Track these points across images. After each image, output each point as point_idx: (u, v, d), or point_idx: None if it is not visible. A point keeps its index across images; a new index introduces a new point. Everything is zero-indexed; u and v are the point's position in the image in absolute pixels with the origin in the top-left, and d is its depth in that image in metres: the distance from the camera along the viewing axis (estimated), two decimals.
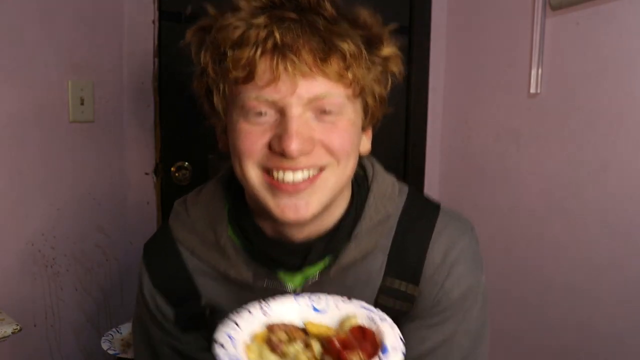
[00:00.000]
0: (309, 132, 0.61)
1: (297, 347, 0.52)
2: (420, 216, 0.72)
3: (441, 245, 0.70)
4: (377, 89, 0.67)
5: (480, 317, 0.73)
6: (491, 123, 1.61)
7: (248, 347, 0.51)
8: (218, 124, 0.70)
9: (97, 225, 1.46)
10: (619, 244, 1.29)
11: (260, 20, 0.59)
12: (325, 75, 0.60)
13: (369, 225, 0.69)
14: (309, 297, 0.58)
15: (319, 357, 0.51)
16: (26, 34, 1.25)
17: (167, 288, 0.73)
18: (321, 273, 0.68)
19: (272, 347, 0.52)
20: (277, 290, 0.67)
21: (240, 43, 0.60)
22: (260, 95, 0.60)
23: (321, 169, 0.63)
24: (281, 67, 0.58)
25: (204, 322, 0.73)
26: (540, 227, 1.48)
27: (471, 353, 0.72)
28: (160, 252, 0.75)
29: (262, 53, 0.59)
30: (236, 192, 0.72)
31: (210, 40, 0.65)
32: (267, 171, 0.62)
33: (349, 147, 0.64)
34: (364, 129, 0.70)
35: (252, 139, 0.62)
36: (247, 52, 0.59)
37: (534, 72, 1.43)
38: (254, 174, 0.63)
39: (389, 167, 0.86)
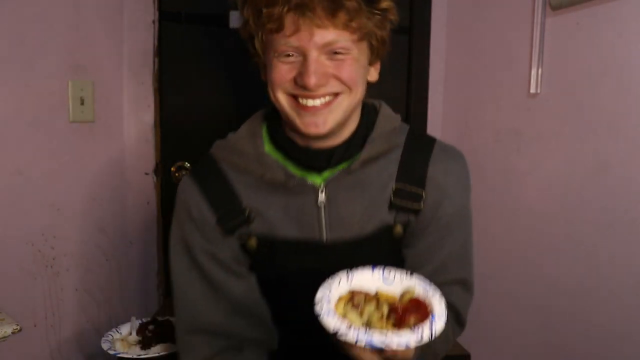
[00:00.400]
0: (323, 69, 0.80)
1: (371, 308, 0.71)
2: (421, 141, 0.93)
3: (439, 161, 0.91)
4: (379, 33, 0.84)
5: (469, 226, 0.96)
6: (491, 123, 1.61)
7: (336, 305, 0.70)
8: (259, 61, 0.88)
9: (97, 226, 1.46)
10: (620, 243, 1.29)
11: None
12: (335, 25, 0.78)
13: (379, 133, 0.89)
14: (382, 270, 0.76)
15: (386, 316, 0.70)
16: (26, 34, 1.24)
17: (212, 196, 0.89)
18: (340, 172, 0.86)
19: (354, 305, 0.71)
20: (305, 187, 0.86)
21: (272, 3, 0.77)
22: (287, 42, 0.79)
23: (336, 95, 0.82)
24: (301, 21, 0.77)
25: (243, 223, 0.87)
26: (540, 226, 1.48)
27: (465, 256, 0.94)
28: (204, 170, 0.92)
29: (288, 10, 0.77)
30: (273, 116, 0.91)
31: (250, 0, 0.82)
32: (294, 97, 0.82)
33: (356, 78, 0.83)
34: (371, 63, 0.88)
35: (282, 74, 0.81)
36: (277, 10, 0.77)
37: (534, 72, 1.43)
38: (283, 99, 0.83)
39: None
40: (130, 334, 1.18)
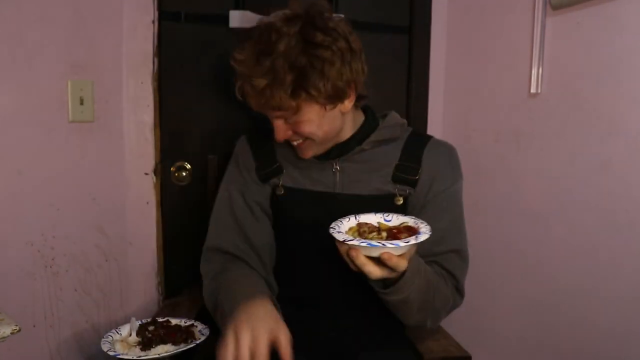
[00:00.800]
0: (285, 131, 1.04)
1: (374, 234, 0.90)
2: (420, 136, 1.18)
3: (432, 148, 1.13)
4: (320, 100, 1.00)
5: (460, 207, 1.17)
6: (491, 123, 1.61)
7: (346, 232, 0.90)
8: None
9: (97, 226, 1.46)
10: (620, 243, 1.29)
11: (243, 78, 1.04)
12: (275, 111, 1.01)
13: (386, 125, 1.14)
14: (382, 214, 0.96)
15: (385, 238, 0.88)
16: (25, 34, 1.24)
17: (256, 149, 1.17)
18: (353, 151, 1.10)
19: (360, 233, 0.91)
20: (324, 164, 1.12)
21: (245, 85, 1.02)
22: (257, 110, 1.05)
23: (307, 138, 1.04)
24: (256, 103, 1.02)
25: (274, 174, 1.14)
26: (540, 226, 1.47)
27: (459, 229, 1.16)
28: (256, 135, 1.20)
29: (249, 96, 1.03)
30: None
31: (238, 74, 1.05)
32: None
33: (314, 129, 1.02)
34: (335, 104, 1.03)
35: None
36: (246, 91, 1.03)
37: (534, 71, 1.43)
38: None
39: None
40: (130, 334, 1.18)
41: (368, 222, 0.94)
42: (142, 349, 1.11)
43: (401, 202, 1.09)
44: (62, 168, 1.36)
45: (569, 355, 1.42)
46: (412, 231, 0.89)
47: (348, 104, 1.05)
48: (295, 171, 1.14)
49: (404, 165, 1.10)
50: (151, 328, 1.17)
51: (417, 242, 0.84)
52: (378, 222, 0.95)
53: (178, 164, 1.60)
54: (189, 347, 1.10)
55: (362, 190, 1.10)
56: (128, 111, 1.52)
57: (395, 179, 1.10)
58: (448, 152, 1.17)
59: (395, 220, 0.95)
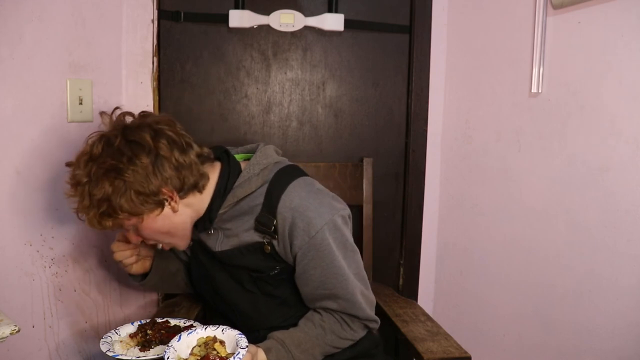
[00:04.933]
0: (132, 237, 1.14)
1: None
2: (280, 180, 1.13)
3: (287, 197, 1.10)
4: (127, 220, 1.05)
5: (330, 258, 1.12)
6: (492, 122, 1.60)
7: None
8: None
9: None
10: (620, 244, 1.29)
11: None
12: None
13: (241, 182, 1.12)
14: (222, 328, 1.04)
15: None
16: (24, 33, 1.24)
17: None
18: (220, 214, 1.13)
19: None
20: (200, 239, 1.21)
21: None
22: None
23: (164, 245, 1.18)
24: None
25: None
26: (540, 226, 1.47)
27: (339, 275, 1.13)
28: None
29: None
30: None
31: None
32: None
33: (154, 232, 1.10)
34: (162, 206, 1.06)
35: None
36: None
37: (535, 71, 1.43)
38: None
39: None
40: (129, 335, 1.17)
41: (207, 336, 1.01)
42: (141, 350, 1.11)
43: (269, 250, 1.12)
44: (61, 168, 1.35)
45: (569, 355, 1.41)
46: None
47: (174, 204, 1.07)
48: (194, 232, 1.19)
49: (262, 216, 1.11)
50: (150, 328, 1.17)
51: None
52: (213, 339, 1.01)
53: None
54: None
55: (235, 244, 1.14)
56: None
57: (257, 229, 1.12)
58: (303, 200, 1.09)
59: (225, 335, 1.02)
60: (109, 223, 1.02)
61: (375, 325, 1.21)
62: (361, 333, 1.19)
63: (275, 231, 1.10)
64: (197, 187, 1.08)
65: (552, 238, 1.44)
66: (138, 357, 1.07)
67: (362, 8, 1.65)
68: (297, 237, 1.09)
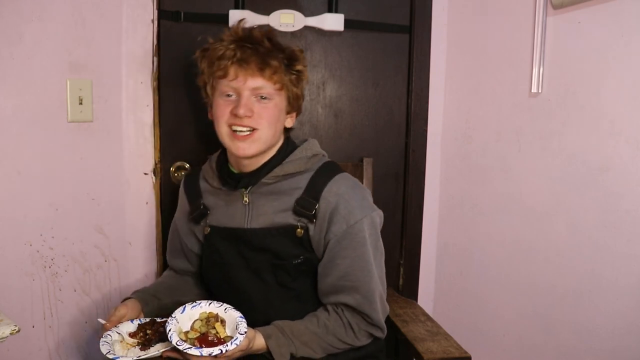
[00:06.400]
0: (251, 106, 1.14)
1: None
2: (329, 170, 1.20)
3: (334, 185, 1.16)
4: (294, 89, 1.20)
5: (364, 248, 1.16)
6: (492, 122, 1.60)
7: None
8: (209, 102, 1.23)
9: (96, 226, 1.46)
10: (621, 244, 1.29)
11: (232, 46, 1.14)
12: (262, 77, 1.14)
13: (292, 159, 1.20)
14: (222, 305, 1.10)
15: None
16: (24, 33, 1.24)
17: (189, 194, 1.32)
18: (260, 183, 1.20)
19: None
20: (236, 193, 1.22)
21: (221, 57, 1.14)
22: (229, 84, 1.15)
23: (255, 130, 1.14)
24: (239, 71, 1.14)
25: (202, 216, 1.27)
26: (540, 226, 1.47)
27: (364, 268, 1.16)
28: (191, 176, 1.36)
29: (232, 63, 1.14)
30: (223, 150, 1.28)
31: (207, 55, 1.19)
32: (230, 127, 1.15)
33: (273, 119, 1.16)
34: (288, 112, 1.22)
35: (223, 107, 1.16)
36: (224, 62, 1.14)
37: (535, 71, 1.43)
38: (224, 129, 1.16)
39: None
40: (129, 334, 1.17)
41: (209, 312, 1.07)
42: (142, 349, 1.11)
43: (302, 234, 1.15)
44: (61, 168, 1.35)
45: (568, 355, 1.41)
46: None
47: (290, 120, 1.24)
48: (217, 209, 1.25)
49: (303, 199, 1.16)
50: (150, 327, 1.17)
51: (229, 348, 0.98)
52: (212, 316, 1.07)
53: (177, 164, 1.59)
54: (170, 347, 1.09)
55: (267, 223, 1.17)
56: (127, 111, 1.51)
57: (295, 212, 1.16)
58: (350, 190, 1.16)
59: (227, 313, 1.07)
60: (281, 76, 1.16)
61: (382, 335, 1.20)
62: (364, 341, 1.19)
63: (315, 215, 1.14)
64: (291, 130, 1.26)
65: (552, 238, 1.44)
66: (139, 357, 1.07)
67: (362, 8, 1.65)
68: (336, 223, 1.14)
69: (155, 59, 1.52)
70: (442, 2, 1.70)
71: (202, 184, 1.30)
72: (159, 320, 1.20)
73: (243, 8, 1.54)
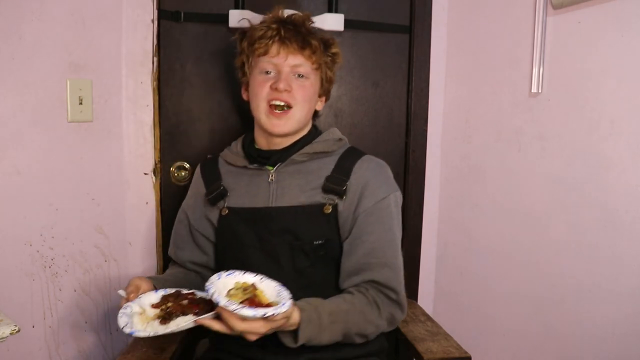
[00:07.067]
0: (290, 82, 1.21)
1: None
2: (355, 152, 1.28)
3: (364, 163, 1.24)
4: (328, 72, 1.29)
5: (392, 222, 1.21)
6: (492, 122, 1.60)
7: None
8: (245, 80, 1.31)
9: (96, 226, 1.46)
10: (620, 243, 1.29)
11: (274, 26, 1.22)
12: (302, 55, 1.22)
13: (320, 140, 1.27)
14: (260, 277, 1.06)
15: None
16: (24, 33, 1.24)
17: (206, 176, 1.34)
18: (287, 161, 1.24)
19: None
20: (261, 170, 1.26)
21: (264, 36, 1.22)
22: (270, 61, 1.22)
23: (290, 107, 1.21)
24: (281, 48, 1.22)
25: (220, 197, 1.27)
26: (541, 226, 1.47)
27: (391, 242, 1.20)
28: (209, 162, 1.37)
29: (273, 42, 1.21)
30: (249, 132, 1.34)
31: (248, 35, 1.26)
32: (269, 103, 1.21)
33: (308, 98, 1.23)
34: (320, 95, 1.31)
35: (263, 84, 1.22)
36: (266, 40, 1.21)
37: (535, 71, 1.43)
38: (262, 105, 1.22)
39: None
40: (152, 305, 1.06)
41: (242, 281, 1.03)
42: (162, 323, 1.01)
43: (330, 210, 1.18)
44: (61, 168, 1.35)
45: (569, 355, 1.41)
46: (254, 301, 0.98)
47: (320, 104, 1.32)
48: (237, 190, 1.26)
49: (333, 177, 1.20)
50: (173, 300, 1.07)
51: (277, 311, 0.93)
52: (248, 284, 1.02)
53: (177, 163, 1.59)
54: (208, 314, 0.99)
55: (293, 202, 1.20)
56: (127, 111, 1.51)
57: (325, 189, 1.19)
58: (378, 167, 1.25)
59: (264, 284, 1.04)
60: (320, 56, 1.25)
61: (402, 314, 1.19)
62: (383, 326, 1.16)
63: (345, 191, 1.19)
64: (317, 115, 1.35)
65: (552, 238, 1.44)
66: (156, 333, 0.98)
67: (362, 8, 1.65)
68: (366, 197, 1.18)
69: (155, 59, 1.52)
70: (442, 2, 1.70)
71: (222, 167, 1.32)
72: (185, 291, 1.12)
73: (243, 8, 1.54)
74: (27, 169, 1.27)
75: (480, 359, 1.60)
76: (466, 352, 1.24)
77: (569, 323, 1.41)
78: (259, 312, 0.92)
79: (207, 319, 0.98)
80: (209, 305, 1.05)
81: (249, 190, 1.25)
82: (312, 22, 1.29)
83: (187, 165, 1.59)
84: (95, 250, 1.46)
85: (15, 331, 0.95)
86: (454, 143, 1.73)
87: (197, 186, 1.35)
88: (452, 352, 1.24)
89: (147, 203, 1.57)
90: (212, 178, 1.31)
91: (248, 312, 0.92)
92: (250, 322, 0.94)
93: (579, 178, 1.37)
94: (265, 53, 1.21)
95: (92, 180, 1.44)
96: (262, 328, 0.95)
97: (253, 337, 0.97)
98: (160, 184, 1.58)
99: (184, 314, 1.04)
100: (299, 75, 1.22)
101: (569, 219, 1.40)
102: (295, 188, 1.21)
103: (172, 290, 1.11)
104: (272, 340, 1.06)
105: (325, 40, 1.27)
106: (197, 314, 1.03)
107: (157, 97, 1.54)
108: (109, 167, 1.49)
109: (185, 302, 1.07)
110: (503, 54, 1.55)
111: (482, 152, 1.64)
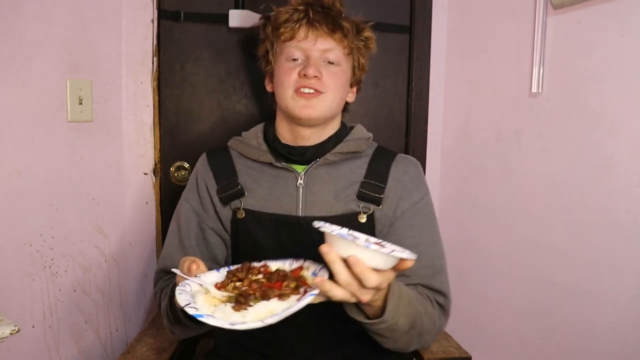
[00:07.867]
0: (319, 68, 1.07)
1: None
2: (385, 152, 1.17)
3: (399, 164, 1.14)
4: (360, 58, 1.15)
5: (430, 223, 1.13)
6: (492, 122, 1.60)
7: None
8: (269, 69, 1.16)
9: (96, 226, 1.46)
10: (621, 243, 1.29)
11: (302, 7, 1.09)
12: (333, 39, 1.09)
13: (352, 138, 1.15)
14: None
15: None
16: (24, 33, 1.24)
17: (217, 170, 1.15)
18: (318, 163, 1.11)
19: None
20: (288, 171, 1.11)
21: (289, 19, 1.08)
22: (297, 45, 1.09)
23: (321, 92, 1.07)
24: (310, 32, 1.08)
25: (236, 196, 1.10)
26: (541, 227, 1.47)
27: (433, 242, 1.12)
28: (217, 152, 1.19)
29: (301, 25, 1.08)
30: (268, 125, 1.19)
31: (272, 20, 1.12)
32: (296, 89, 1.07)
33: (339, 85, 1.10)
34: (351, 85, 1.17)
35: (290, 70, 1.08)
36: (292, 24, 1.08)
37: (535, 71, 1.43)
38: (288, 92, 1.07)
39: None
40: (216, 285, 0.82)
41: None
42: (236, 308, 0.74)
43: (364, 220, 1.07)
44: (61, 168, 1.35)
45: (569, 355, 1.41)
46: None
47: (352, 95, 1.20)
48: (257, 190, 1.10)
49: (369, 184, 1.09)
50: (244, 278, 0.83)
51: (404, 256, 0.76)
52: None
53: (177, 163, 1.59)
54: (304, 301, 0.72)
55: (326, 212, 1.07)
56: (127, 111, 1.51)
57: (361, 197, 1.09)
58: (414, 168, 1.15)
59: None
60: (352, 40, 1.12)
61: (445, 324, 1.08)
62: (440, 323, 1.06)
63: (383, 198, 1.09)
64: (347, 109, 1.22)
65: (552, 238, 1.44)
66: (233, 324, 0.70)
67: (362, 8, 1.64)
68: (405, 199, 1.10)
69: (155, 59, 1.52)
70: (442, 2, 1.70)
71: (237, 161, 1.15)
72: (256, 264, 0.89)
73: (243, 8, 1.54)
74: (27, 169, 1.27)
75: (480, 359, 1.60)
76: (466, 352, 1.24)
77: (569, 323, 1.41)
78: (404, 253, 0.75)
79: (327, 285, 0.75)
80: (295, 279, 0.83)
81: (272, 192, 1.10)
82: (343, 5, 1.14)
83: (187, 165, 1.59)
84: (95, 250, 1.46)
85: (15, 331, 0.95)
86: (454, 143, 1.73)
87: (205, 179, 1.15)
88: (452, 352, 1.24)
89: (147, 203, 1.57)
90: (224, 173, 1.14)
91: (390, 249, 0.72)
92: (383, 273, 0.77)
93: (579, 178, 1.37)
94: (292, 37, 1.08)
95: (92, 181, 1.44)
96: (390, 280, 0.81)
97: (366, 298, 0.79)
98: (160, 184, 1.58)
99: (265, 296, 0.76)
100: (329, 62, 1.08)
101: (568, 218, 1.40)
102: (327, 195, 1.08)
103: (239, 265, 0.88)
104: (286, 339, 1.03)
105: (358, 23, 1.14)
106: (282, 297, 0.76)
107: (157, 97, 1.54)
108: (109, 167, 1.49)
109: (260, 277, 0.82)
110: (503, 54, 1.55)
111: (482, 152, 1.64)
